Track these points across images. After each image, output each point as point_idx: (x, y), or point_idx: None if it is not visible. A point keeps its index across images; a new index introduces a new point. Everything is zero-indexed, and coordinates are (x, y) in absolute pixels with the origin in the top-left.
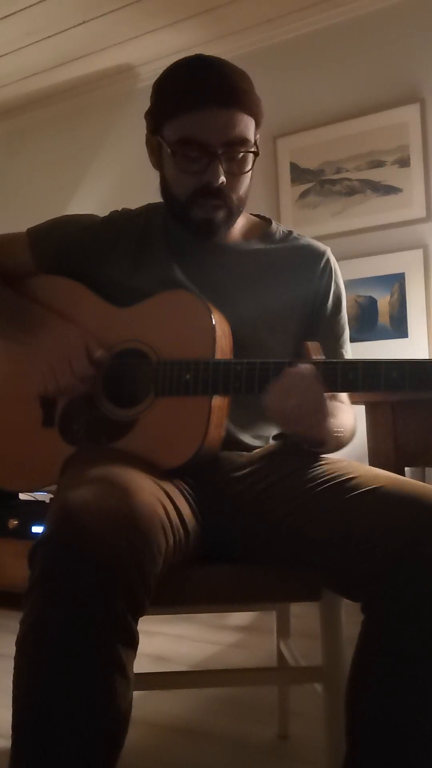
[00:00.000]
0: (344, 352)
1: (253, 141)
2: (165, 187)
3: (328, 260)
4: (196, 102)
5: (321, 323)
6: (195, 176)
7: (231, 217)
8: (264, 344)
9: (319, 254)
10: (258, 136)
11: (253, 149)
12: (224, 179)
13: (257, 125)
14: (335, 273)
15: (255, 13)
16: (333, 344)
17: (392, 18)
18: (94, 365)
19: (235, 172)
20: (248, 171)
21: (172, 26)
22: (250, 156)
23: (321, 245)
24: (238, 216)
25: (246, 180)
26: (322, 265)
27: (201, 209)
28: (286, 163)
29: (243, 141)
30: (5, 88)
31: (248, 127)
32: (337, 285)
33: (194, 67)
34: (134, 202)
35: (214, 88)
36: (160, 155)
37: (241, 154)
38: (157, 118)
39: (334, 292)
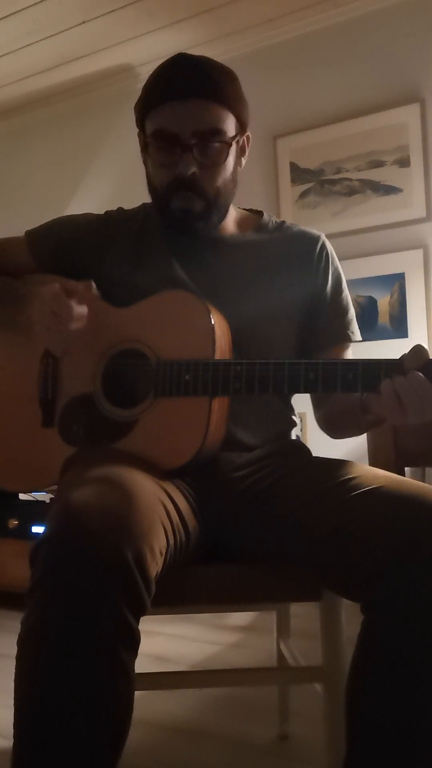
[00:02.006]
0: (351, 333)
1: (230, 134)
2: (148, 182)
3: (323, 244)
4: (166, 94)
5: (323, 307)
6: (168, 168)
7: (210, 210)
8: (268, 335)
9: (314, 240)
10: (241, 134)
11: (227, 140)
12: (195, 170)
13: (239, 121)
14: (332, 256)
15: (255, 13)
16: (338, 325)
17: (392, 18)
18: (82, 301)
19: (209, 164)
20: (223, 162)
21: (172, 26)
22: (225, 147)
23: (314, 231)
24: (220, 209)
25: (223, 171)
26: (318, 250)
27: (178, 201)
28: (286, 163)
29: (215, 131)
30: (5, 88)
31: (221, 118)
32: (334, 266)
33: (171, 62)
34: (134, 202)
35: (184, 81)
36: (145, 151)
37: (215, 145)
38: (139, 115)
39: (332, 274)
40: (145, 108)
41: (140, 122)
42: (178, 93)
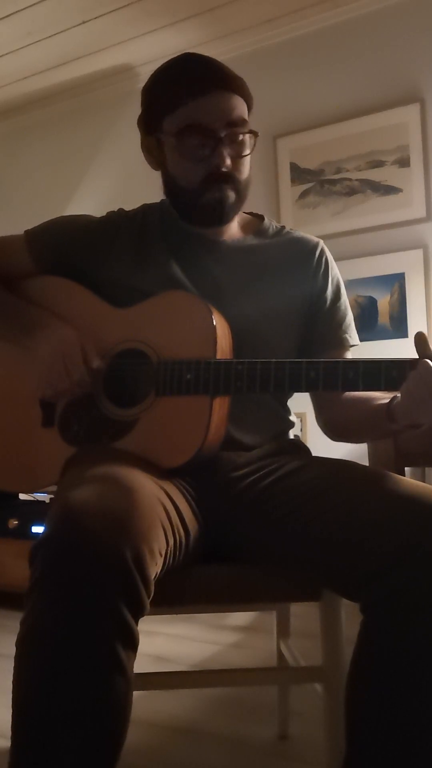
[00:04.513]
0: (348, 338)
1: (251, 125)
2: (170, 183)
3: (322, 250)
4: (197, 89)
5: (321, 312)
6: (202, 163)
7: (239, 201)
8: (266, 338)
9: (313, 246)
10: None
11: (252, 131)
12: (230, 162)
13: (249, 109)
14: (331, 262)
15: (255, 13)
16: (336, 330)
17: (392, 18)
18: (90, 372)
19: (239, 155)
20: (249, 153)
21: (172, 26)
22: (252, 137)
23: (313, 237)
24: (244, 201)
25: (248, 163)
26: (316, 256)
27: (212, 194)
28: (286, 163)
29: (242, 122)
30: (5, 88)
31: (244, 109)
32: (334, 272)
33: (185, 61)
34: (134, 202)
35: (211, 75)
36: (160, 153)
37: (242, 136)
38: (153, 116)
39: (332, 280)
40: (166, 108)
41: (153, 125)
42: (203, 88)
